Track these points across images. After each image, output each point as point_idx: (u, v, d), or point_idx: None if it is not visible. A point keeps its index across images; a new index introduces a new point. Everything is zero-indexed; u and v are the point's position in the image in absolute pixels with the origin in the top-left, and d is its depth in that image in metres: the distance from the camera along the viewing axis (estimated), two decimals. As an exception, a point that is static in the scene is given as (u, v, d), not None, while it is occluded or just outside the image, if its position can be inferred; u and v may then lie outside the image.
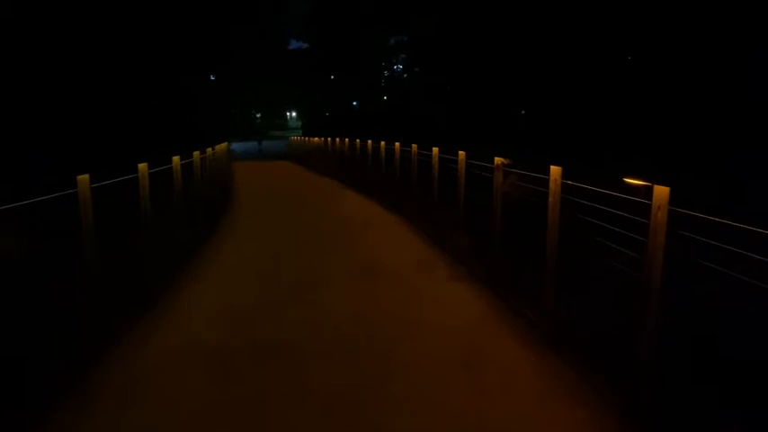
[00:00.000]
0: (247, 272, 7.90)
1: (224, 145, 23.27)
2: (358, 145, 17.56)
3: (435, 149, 9.80)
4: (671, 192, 3.56)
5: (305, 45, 58.18)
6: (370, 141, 15.84)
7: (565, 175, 5.03)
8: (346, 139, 19.79)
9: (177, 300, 6.56)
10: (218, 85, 48.48)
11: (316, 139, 28.66)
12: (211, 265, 8.24)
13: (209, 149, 13.21)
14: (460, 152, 8.36)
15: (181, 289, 6.97)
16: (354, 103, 50.90)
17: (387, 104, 45.87)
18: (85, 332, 5.00)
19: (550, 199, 5.11)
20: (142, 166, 6.43)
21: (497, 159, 6.82)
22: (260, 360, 4.87)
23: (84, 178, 4.74)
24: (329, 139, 23.15)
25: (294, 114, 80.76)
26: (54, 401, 4.17)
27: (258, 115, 75.01)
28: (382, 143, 14.17)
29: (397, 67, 47.95)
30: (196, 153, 10.42)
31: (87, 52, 20.14)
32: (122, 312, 5.74)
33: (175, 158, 8.29)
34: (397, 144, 12.67)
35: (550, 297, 5.24)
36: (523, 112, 26.85)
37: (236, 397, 4.27)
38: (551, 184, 5.07)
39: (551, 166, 5.07)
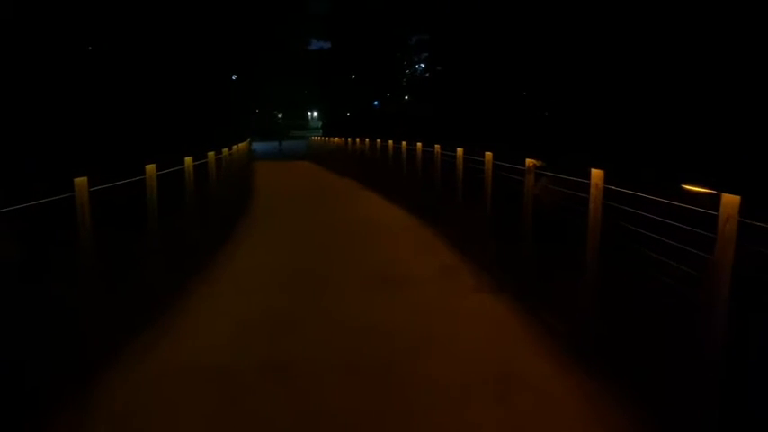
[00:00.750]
0: (261, 275, 7.56)
1: (244, 144, 23.08)
2: (378, 145, 17.18)
3: (460, 150, 9.36)
4: (741, 201, 3.07)
5: (326, 45, 58.08)
6: (390, 142, 15.44)
7: (607, 180, 4.54)
8: (367, 140, 19.41)
9: (186, 305, 6.22)
10: (240, 85, 48.47)
11: (336, 139, 28.34)
12: (224, 269, 7.92)
13: (225, 150, 12.90)
14: (487, 153, 7.90)
15: (191, 294, 6.65)
16: (375, 103, 50.53)
17: (408, 104, 45.38)
18: (87, 337, 4.70)
19: (591, 205, 4.62)
20: (150, 168, 6.09)
21: (529, 161, 6.35)
22: (269, 374, 4.50)
23: (81, 181, 4.40)
24: (349, 139, 22.80)
25: (315, 114, 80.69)
26: (54, 409, 3.93)
27: (280, 115, 75.08)
28: (403, 143, 13.74)
29: (419, 66, 47.35)
30: (211, 154, 10.12)
31: (103, 53, 20.08)
32: (124, 321, 5.42)
33: (188, 159, 7.97)
34: (419, 144, 12.23)
35: (588, 311, 4.76)
36: (546, 114, 26.17)
37: (244, 410, 3.98)
38: (592, 189, 4.59)
39: (592, 170, 4.59)
